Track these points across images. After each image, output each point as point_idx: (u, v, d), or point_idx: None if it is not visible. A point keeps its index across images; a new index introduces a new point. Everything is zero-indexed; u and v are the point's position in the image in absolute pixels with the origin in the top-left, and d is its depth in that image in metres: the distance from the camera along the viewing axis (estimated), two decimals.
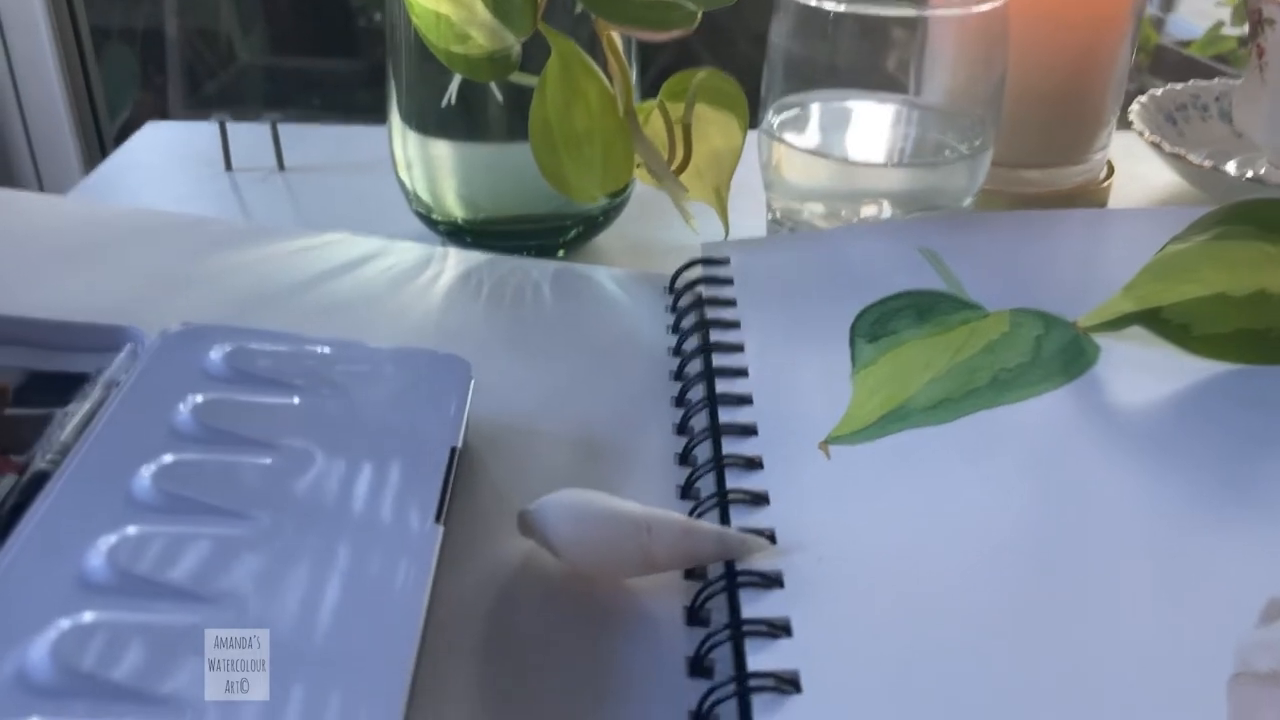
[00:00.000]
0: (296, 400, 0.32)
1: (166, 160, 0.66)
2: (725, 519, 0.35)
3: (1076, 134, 0.62)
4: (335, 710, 0.24)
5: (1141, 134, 0.64)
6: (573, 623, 0.32)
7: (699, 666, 0.31)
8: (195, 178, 0.63)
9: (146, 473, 0.30)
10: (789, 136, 0.54)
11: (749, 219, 0.57)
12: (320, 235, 0.49)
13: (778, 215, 0.57)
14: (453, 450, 0.32)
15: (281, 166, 0.64)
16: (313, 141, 0.67)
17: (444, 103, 0.50)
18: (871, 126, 0.56)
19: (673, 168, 0.53)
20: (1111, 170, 0.64)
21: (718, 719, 0.29)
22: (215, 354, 0.35)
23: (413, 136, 0.51)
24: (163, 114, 1.18)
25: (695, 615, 0.32)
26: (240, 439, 0.32)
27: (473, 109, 0.50)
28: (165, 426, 0.32)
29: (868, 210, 0.55)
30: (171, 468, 0.30)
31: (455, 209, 0.52)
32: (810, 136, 0.55)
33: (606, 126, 0.49)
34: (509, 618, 0.31)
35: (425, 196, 0.53)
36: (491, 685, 0.29)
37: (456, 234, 0.54)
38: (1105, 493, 0.35)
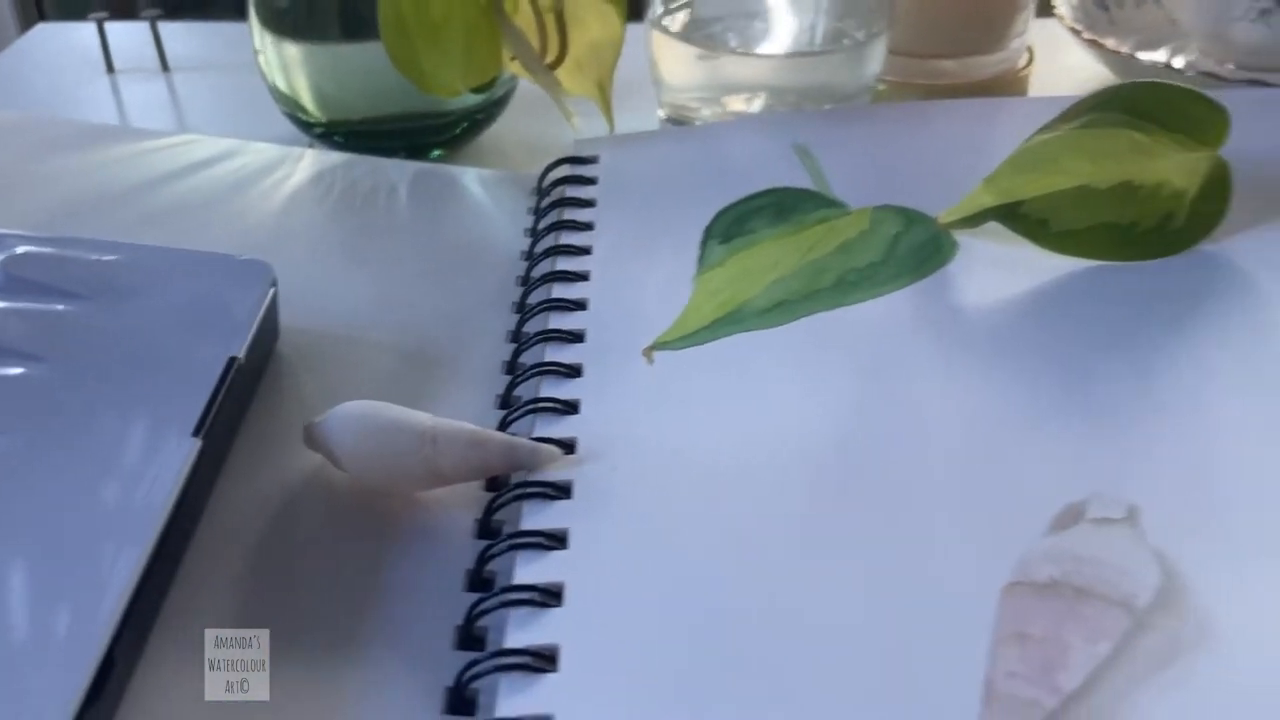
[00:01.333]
0: (65, 308, 0.31)
1: (52, 63, 0.64)
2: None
3: (991, 21, 0.58)
4: (36, 631, 0.24)
5: (1061, 19, 0.61)
6: (353, 536, 0.31)
7: (478, 579, 0.30)
8: (75, 81, 0.61)
9: None
10: (671, 26, 0.52)
11: (645, 116, 0.55)
12: (170, 137, 0.47)
13: (669, 113, 0.54)
14: (230, 360, 0.31)
15: (165, 67, 0.61)
16: (201, 40, 0.65)
17: None
18: (762, 15, 0.54)
19: (549, 60, 0.51)
20: (1031, 58, 0.61)
21: (485, 632, 0.28)
22: None
23: (268, 35, 0.49)
24: (41, 13, 1.13)
25: (486, 528, 0.31)
26: None
27: (321, 2, 0.48)
28: None
29: (757, 105, 0.52)
30: None
31: (316, 110, 0.50)
32: (694, 26, 0.53)
33: (467, 14, 0.47)
34: (287, 532, 0.31)
35: (289, 97, 0.51)
36: (256, 599, 0.29)
37: (327, 136, 0.52)
38: (931, 396, 0.34)
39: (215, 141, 0.47)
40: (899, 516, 0.30)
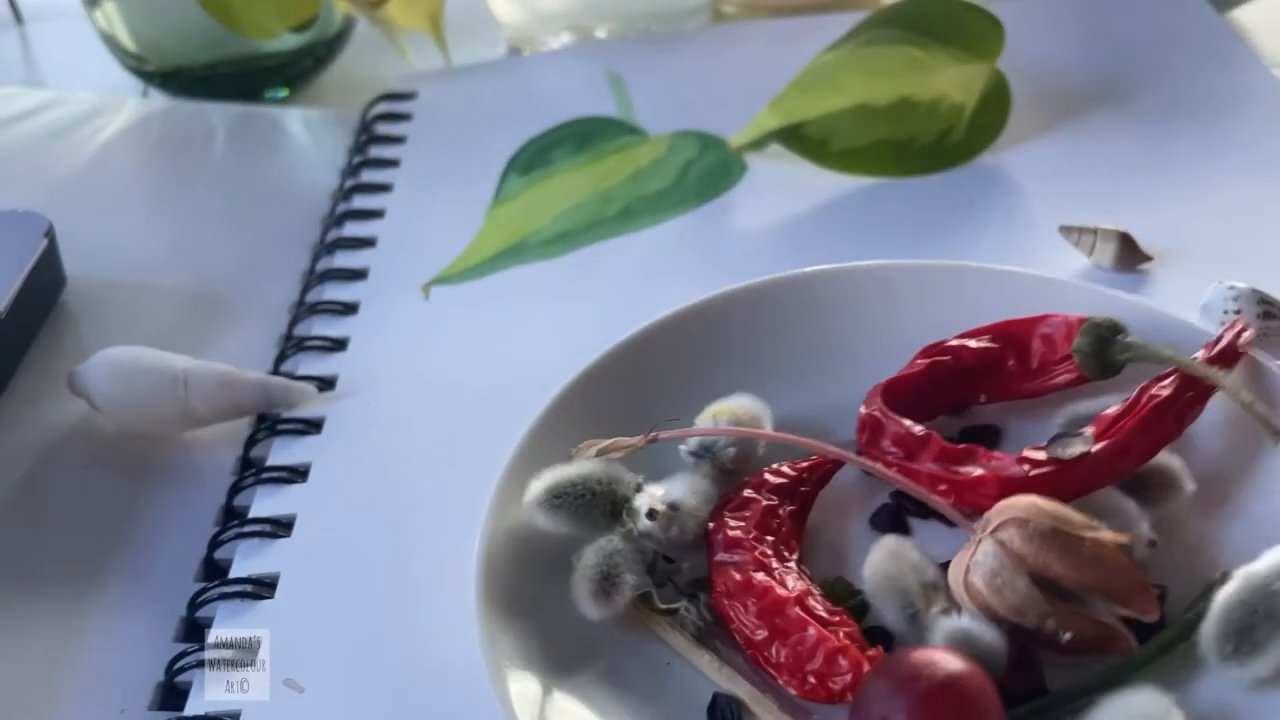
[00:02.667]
0: None
1: None
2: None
3: None
4: None
5: None
6: (111, 478, 0.32)
7: (229, 514, 0.31)
8: None
9: None
10: None
11: (491, 49, 0.55)
12: None
13: (509, 44, 0.54)
14: None
15: (19, 20, 0.61)
16: None
17: None
18: None
19: None
20: None
21: (229, 561, 0.30)
22: None
23: None
24: None
25: (246, 464, 0.33)
26: None
27: None
28: None
29: (601, 34, 0.52)
30: None
31: (145, 56, 0.50)
32: None
33: None
34: (46, 476, 0.32)
35: (120, 45, 0.51)
36: (5, 541, 0.30)
37: (166, 84, 0.52)
38: None
39: (34, 93, 0.48)
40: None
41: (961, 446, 0.27)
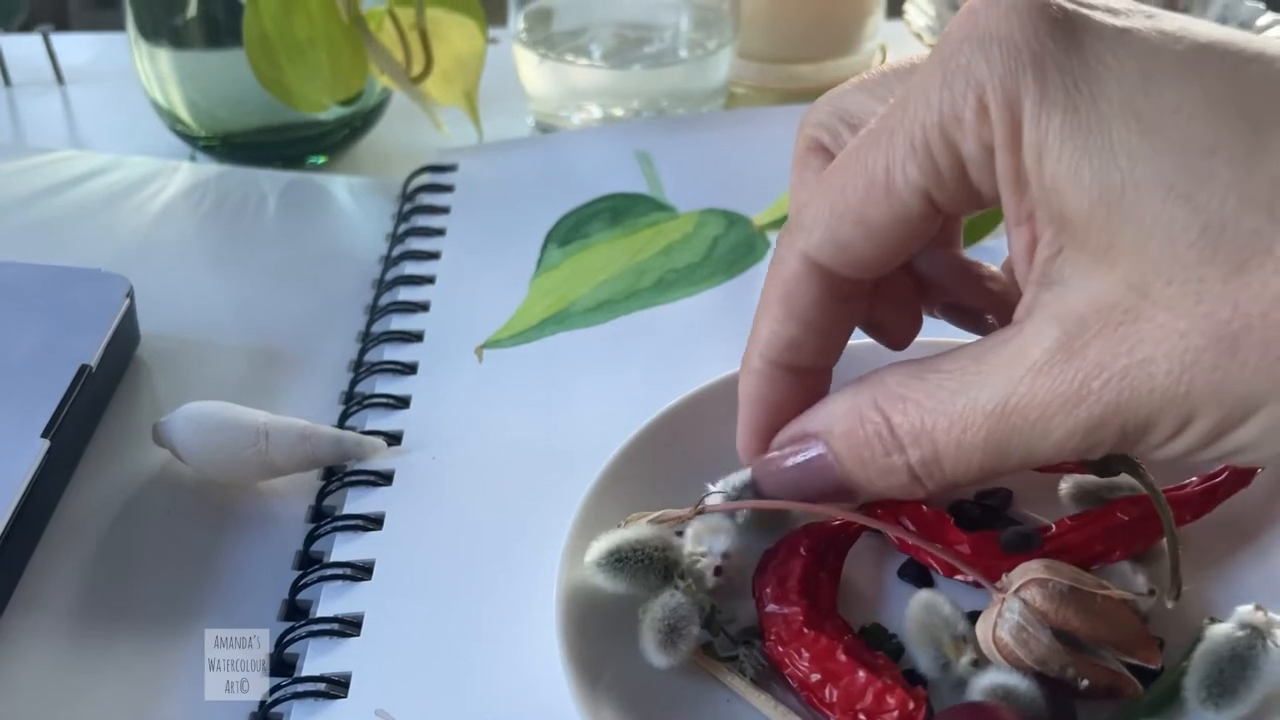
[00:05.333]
0: None
1: None
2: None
3: (841, 26, 0.62)
4: None
5: (909, 24, 0.65)
6: (196, 523, 0.34)
7: (306, 559, 0.34)
8: None
9: None
10: (530, 40, 0.55)
11: (518, 123, 0.58)
12: (51, 153, 0.50)
13: (536, 120, 0.58)
14: (82, 368, 0.35)
15: (60, 80, 0.64)
16: (97, 52, 0.67)
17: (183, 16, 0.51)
18: (622, 27, 0.57)
19: (415, 74, 0.54)
20: (884, 58, 0.65)
21: (309, 605, 0.32)
22: None
23: (143, 46, 0.52)
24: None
25: (318, 513, 0.35)
26: None
27: (204, 18, 0.51)
28: None
29: (620, 112, 0.56)
30: None
31: (192, 122, 0.53)
32: (557, 39, 0.56)
33: (330, 32, 0.50)
34: (134, 523, 0.34)
35: (167, 110, 0.54)
36: (101, 582, 0.32)
37: (212, 148, 0.55)
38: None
39: (93, 157, 0.50)
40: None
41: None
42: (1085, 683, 0.26)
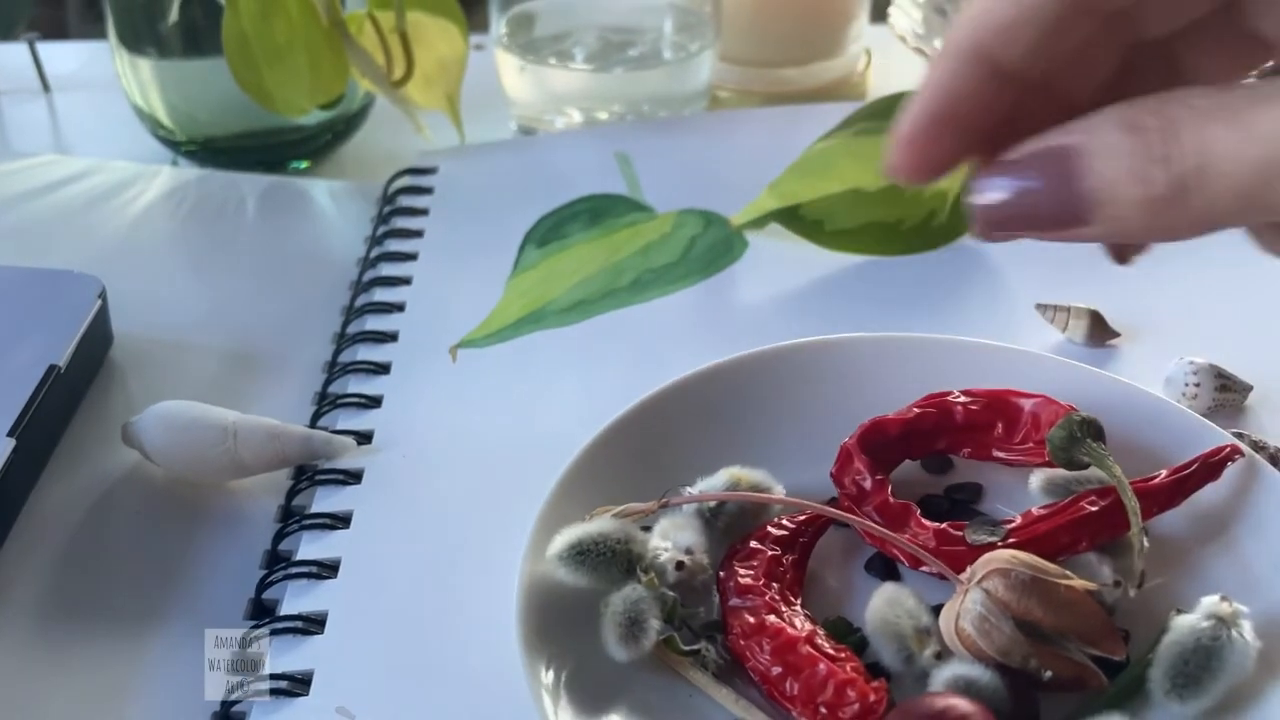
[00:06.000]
0: None
1: None
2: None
3: (824, 30, 0.62)
4: None
5: (892, 27, 0.65)
6: (165, 522, 0.34)
7: (273, 557, 0.33)
8: None
9: None
10: (508, 43, 0.55)
11: (500, 127, 0.58)
12: (28, 158, 0.50)
13: (518, 124, 0.58)
14: (50, 368, 0.35)
15: (46, 88, 0.64)
16: (84, 60, 0.67)
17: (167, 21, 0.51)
18: (604, 30, 0.57)
19: (396, 78, 0.54)
20: (869, 61, 0.65)
21: (275, 604, 0.32)
22: None
23: (124, 54, 0.52)
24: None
25: (286, 512, 0.35)
26: None
27: (185, 24, 0.51)
28: None
29: (603, 115, 0.56)
30: None
31: (173, 127, 0.53)
32: (539, 44, 0.56)
33: (310, 35, 0.50)
34: (102, 521, 0.34)
35: (149, 115, 0.54)
36: (68, 579, 0.32)
37: (193, 154, 0.55)
38: None
39: (74, 161, 0.51)
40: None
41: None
42: (1048, 674, 0.26)
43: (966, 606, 0.27)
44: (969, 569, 0.27)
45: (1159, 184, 0.22)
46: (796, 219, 0.43)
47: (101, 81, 0.65)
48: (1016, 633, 0.26)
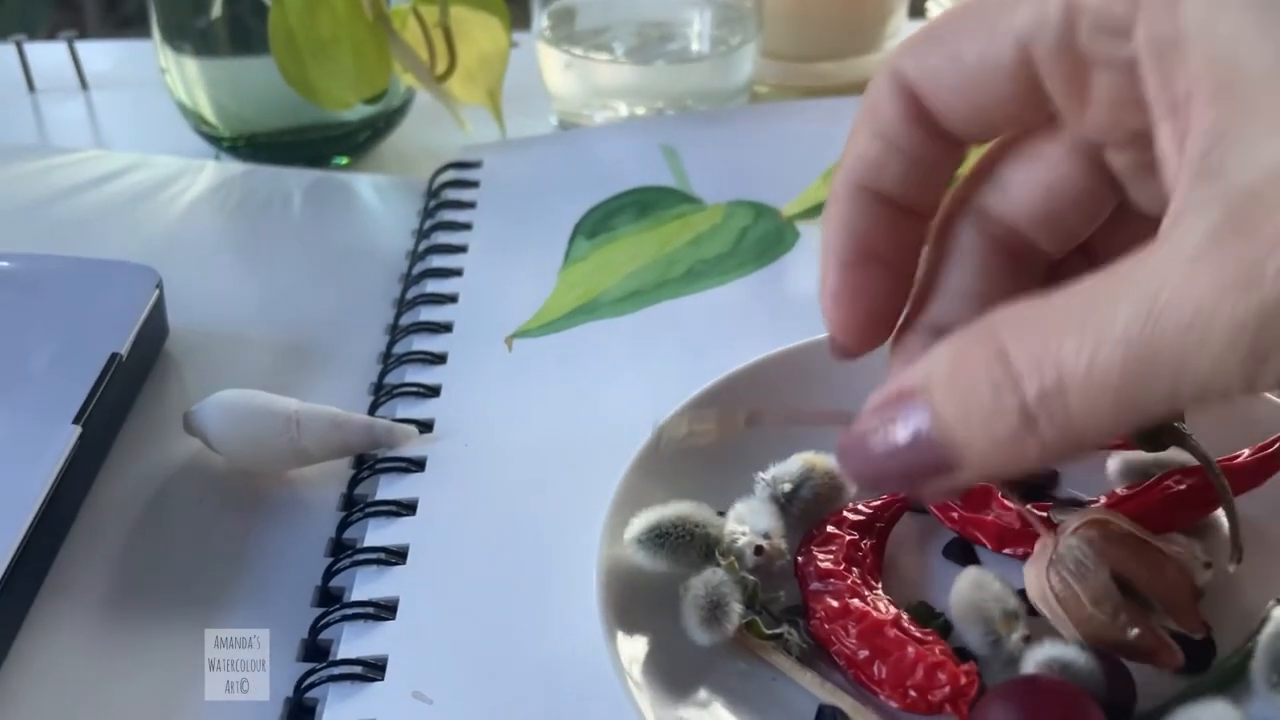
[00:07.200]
0: None
1: None
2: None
3: (863, 24, 0.62)
4: None
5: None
6: (224, 511, 0.34)
7: (338, 545, 0.33)
8: None
9: None
10: (553, 38, 0.55)
11: (540, 121, 0.58)
12: (73, 153, 0.50)
13: (559, 118, 0.58)
14: (112, 356, 0.34)
15: (84, 85, 0.64)
16: (121, 58, 0.68)
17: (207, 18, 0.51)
18: (645, 25, 0.57)
19: (439, 73, 0.54)
20: None
21: (341, 591, 0.32)
22: None
23: (169, 52, 0.52)
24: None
25: (349, 500, 0.35)
26: None
27: (230, 20, 0.51)
28: None
29: (641, 110, 0.56)
30: None
31: (218, 123, 0.53)
32: (580, 37, 0.56)
33: (355, 30, 0.50)
34: (165, 509, 0.34)
35: (194, 111, 0.54)
36: (133, 567, 0.32)
37: (236, 149, 0.55)
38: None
39: (120, 156, 0.50)
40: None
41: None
42: (1135, 631, 0.25)
43: (1060, 553, 0.26)
44: (1062, 523, 0.27)
45: (1012, 414, 0.19)
46: None
47: (138, 79, 0.65)
48: (1111, 583, 0.25)
